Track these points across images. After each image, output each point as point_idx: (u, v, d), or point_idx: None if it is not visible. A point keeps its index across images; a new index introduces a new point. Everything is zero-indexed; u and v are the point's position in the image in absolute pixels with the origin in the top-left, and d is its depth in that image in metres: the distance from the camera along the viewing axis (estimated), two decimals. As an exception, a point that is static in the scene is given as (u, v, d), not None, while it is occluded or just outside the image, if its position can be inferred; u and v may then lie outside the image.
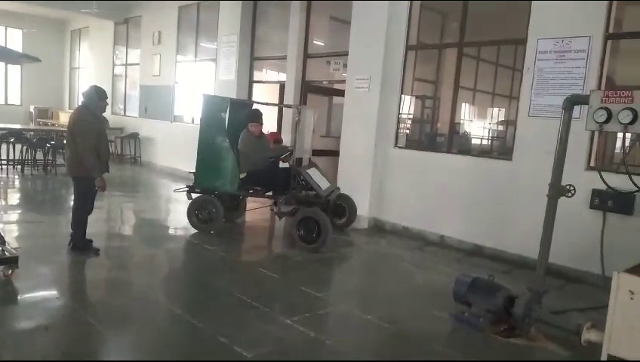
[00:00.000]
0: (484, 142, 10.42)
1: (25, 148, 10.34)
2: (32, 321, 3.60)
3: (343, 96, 7.77)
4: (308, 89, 8.71)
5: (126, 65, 14.43)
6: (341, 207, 7.11)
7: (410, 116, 8.07)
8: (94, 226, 5.63)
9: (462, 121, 9.34)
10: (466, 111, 10.66)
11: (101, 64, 15.29)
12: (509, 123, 9.60)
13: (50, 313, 3.79)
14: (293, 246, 6.05)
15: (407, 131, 7.85)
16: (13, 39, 16.94)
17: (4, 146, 10.25)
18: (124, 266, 5.16)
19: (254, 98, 10.15)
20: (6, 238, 4.69)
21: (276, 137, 7.26)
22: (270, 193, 6.52)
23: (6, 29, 16.75)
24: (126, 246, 5.97)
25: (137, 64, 13.57)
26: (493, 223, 6.09)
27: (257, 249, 6.47)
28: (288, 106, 8.29)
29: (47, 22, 16.99)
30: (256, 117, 6.60)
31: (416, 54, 7.49)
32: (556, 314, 3.88)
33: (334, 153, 7.89)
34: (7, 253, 4.30)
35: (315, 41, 8.95)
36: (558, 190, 3.73)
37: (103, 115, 5.26)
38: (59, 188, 9.39)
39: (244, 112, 6.78)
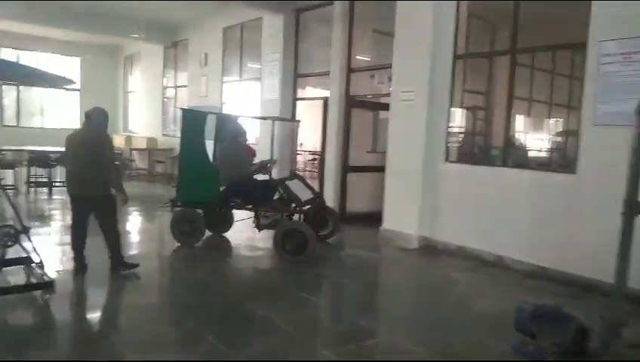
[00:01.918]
0: (542, 154, 9.83)
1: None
2: (66, 346, 3.48)
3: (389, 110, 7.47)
4: (352, 104, 8.47)
5: (175, 87, 14.75)
6: (324, 218, 7.01)
7: (461, 129, 7.67)
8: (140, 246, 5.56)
9: (517, 133, 8.84)
10: (521, 122, 10.12)
11: (152, 87, 15.71)
12: (569, 133, 9.03)
13: (86, 338, 3.67)
14: (317, 264, 5.74)
15: (459, 145, 7.44)
16: (72, 66, 17.75)
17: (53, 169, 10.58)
18: (161, 288, 5.04)
19: (298, 116, 10.03)
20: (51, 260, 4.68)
21: (252, 152, 7.24)
22: (250, 205, 6.42)
23: (64, 57, 17.53)
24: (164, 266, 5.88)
25: (186, 86, 13.82)
26: (556, 242, 5.57)
27: (279, 266, 6.08)
28: (282, 120, 8.27)
29: (102, 49, 17.70)
30: (243, 130, 6.78)
31: (465, 64, 7.11)
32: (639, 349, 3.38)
33: (381, 169, 7.57)
34: (45, 278, 4.25)
35: (358, 56, 8.72)
36: (633, 206, 3.27)
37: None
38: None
39: (230, 126, 6.80)
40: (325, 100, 8.93)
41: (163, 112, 15.06)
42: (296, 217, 6.64)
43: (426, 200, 6.90)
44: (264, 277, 5.73)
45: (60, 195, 10.27)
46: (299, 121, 7.72)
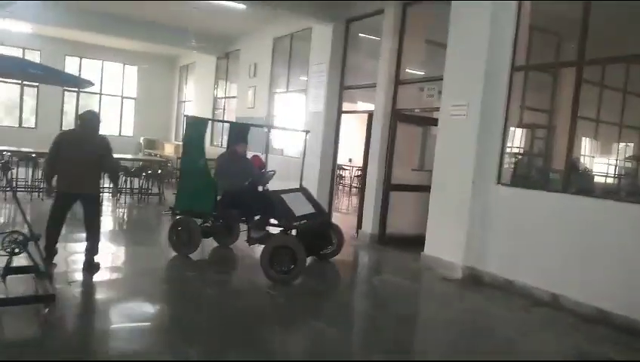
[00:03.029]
0: (609, 180, 8.89)
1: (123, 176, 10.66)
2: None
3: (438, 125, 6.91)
4: (398, 118, 7.94)
5: (225, 98, 14.75)
6: (327, 236, 6.54)
7: (517, 149, 6.97)
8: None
9: (581, 156, 8.00)
10: (586, 144, 9.23)
11: (204, 97, 15.83)
12: (641, 159, 8.12)
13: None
14: (344, 289, 5.21)
15: (513, 166, 6.75)
16: (130, 75, 18.25)
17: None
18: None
19: (342, 129, 9.61)
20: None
21: (259, 162, 6.83)
22: (244, 218, 6.10)
23: (124, 65, 18.05)
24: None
25: (235, 97, 13.77)
26: (623, 284, 4.78)
27: (292, 287, 5.48)
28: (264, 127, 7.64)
29: (159, 58, 18.11)
30: (244, 137, 6.55)
31: (525, 78, 6.46)
32: None
33: (427, 189, 6.98)
34: (49, 290, 3.98)
35: (408, 68, 8.21)
36: None
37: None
38: (152, 217, 9.44)
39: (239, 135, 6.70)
40: (370, 114, 8.46)
41: (213, 123, 15.05)
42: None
43: (474, 225, 6.24)
44: (270, 301, 5.11)
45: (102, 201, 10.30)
46: (308, 132, 7.38)
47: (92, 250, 5.30)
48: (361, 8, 8.84)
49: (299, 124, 10.29)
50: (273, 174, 6.54)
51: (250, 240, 6.00)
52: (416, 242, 7.08)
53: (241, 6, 9.94)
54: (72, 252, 6.16)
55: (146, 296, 4.77)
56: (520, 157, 7.08)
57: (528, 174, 6.97)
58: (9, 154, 9.85)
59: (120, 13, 12.64)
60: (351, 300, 5.41)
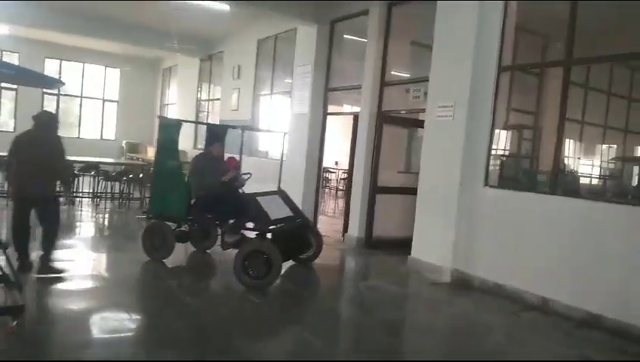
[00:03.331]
0: (594, 181, 8.89)
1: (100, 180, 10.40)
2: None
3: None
4: (384, 120, 7.81)
5: (208, 100, 14.54)
6: (306, 240, 6.31)
7: (504, 150, 6.89)
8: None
9: (568, 157, 7.96)
10: (571, 146, 9.22)
11: (187, 100, 15.58)
12: (628, 160, 8.10)
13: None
14: (328, 296, 5.06)
15: (500, 168, 6.66)
16: (112, 77, 17.92)
17: (87, 179, 10.40)
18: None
19: (328, 131, 9.48)
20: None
21: (235, 163, 6.63)
22: (218, 221, 5.99)
23: (105, 68, 17.72)
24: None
25: (219, 99, 13.56)
26: (615, 285, 4.69)
27: (274, 293, 5.38)
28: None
29: (141, 61, 17.82)
30: (219, 138, 6.43)
31: (512, 78, 6.38)
32: None
33: (413, 191, 6.85)
34: (19, 301, 3.75)
35: (393, 70, 8.10)
36: None
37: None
38: (132, 222, 9.19)
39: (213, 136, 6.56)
40: (356, 116, 8.33)
41: (196, 126, 14.82)
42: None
43: (462, 228, 6.13)
44: (250, 307, 4.92)
45: (81, 206, 10.04)
46: (285, 133, 7.42)
47: (49, 248, 5.22)
48: (346, 9, 8.72)
49: (283, 126, 10.14)
50: (249, 177, 6.38)
51: (225, 245, 5.82)
52: (403, 245, 6.95)
53: (225, 7, 9.77)
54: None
55: (121, 305, 4.56)
56: (507, 158, 7.00)
57: (516, 176, 6.88)
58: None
59: (102, 15, 12.35)
60: (336, 306, 5.24)
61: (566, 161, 7.58)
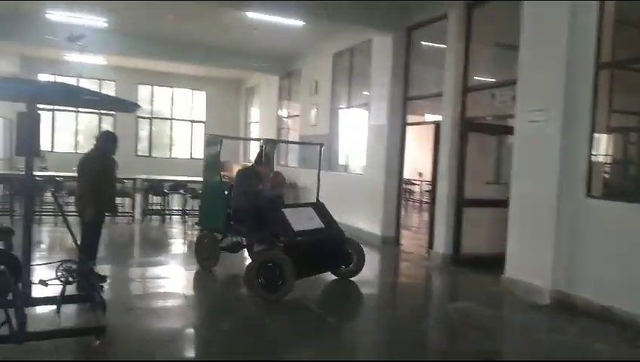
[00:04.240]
0: None
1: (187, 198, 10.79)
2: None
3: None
4: (468, 127, 7.34)
5: (288, 117, 14.69)
6: (342, 254, 6.14)
7: (607, 156, 6.17)
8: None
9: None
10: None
11: (268, 118, 15.87)
12: None
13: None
14: (413, 318, 4.66)
15: (604, 176, 5.96)
16: (199, 99, 18.76)
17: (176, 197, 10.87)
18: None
19: (410, 141, 9.14)
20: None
21: (278, 179, 6.70)
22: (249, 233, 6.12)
23: (192, 91, 18.58)
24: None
25: (298, 115, 13.66)
26: None
27: (346, 310, 5.11)
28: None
29: (225, 82, 18.48)
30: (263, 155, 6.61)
31: (612, 76, 5.69)
32: None
33: (505, 203, 6.32)
34: (102, 322, 3.83)
35: (476, 75, 7.61)
36: None
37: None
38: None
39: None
40: (437, 124, 7.92)
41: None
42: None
43: (561, 244, 5.53)
44: (323, 326, 4.75)
45: (176, 224, 10.43)
46: (322, 145, 7.27)
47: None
48: (423, 14, 8.38)
49: (361, 140, 9.94)
50: (281, 192, 6.60)
51: (252, 255, 6.12)
52: (494, 263, 6.42)
53: (300, 23, 9.80)
54: (132, 278, 6.14)
55: (201, 326, 4.54)
56: (612, 165, 6.26)
57: (622, 185, 6.13)
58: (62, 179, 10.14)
59: (186, 41, 12.95)
60: (420, 329, 4.86)
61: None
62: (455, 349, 4.39)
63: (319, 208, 6.35)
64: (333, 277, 6.18)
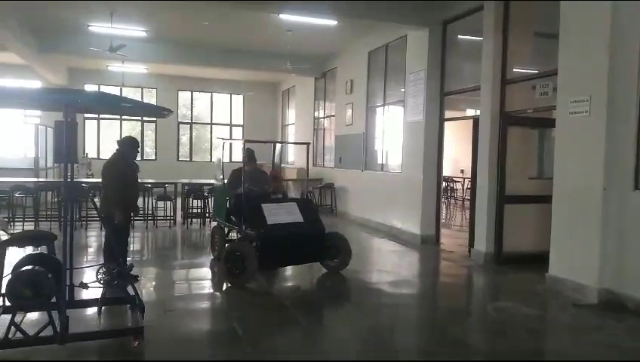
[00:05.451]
0: None
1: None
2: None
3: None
4: (508, 121, 7.11)
5: (324, 117, 14.68)
6: (325, 247, 6.37)
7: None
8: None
9: None
10: None
11: (305, 119, 15.93)
12: None
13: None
14: (453, 319, 4.51)
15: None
16: (237, 103, 19.02)
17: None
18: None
19: (448, 138, 8.95)
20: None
21: (275, 174, 7.41)
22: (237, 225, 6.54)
23: (230, 95, 18.86)
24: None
25: (334, 115, 13.63)
26: None
27: (374, 309, 5.03)
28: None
29: (262, 86, 18.66)
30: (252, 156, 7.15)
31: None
32: None
33: (548, 199, 6.07)
34: (140, 323, 3.91)
35: (515, 66, 7.36)
36: None
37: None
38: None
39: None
40: (476, 119, 7.71)
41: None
42: None
43: (609, 240, 5.26)
44: (359, 331, 4.71)
45: (211, 225, 10.56)
46: (308, 143, 8.26)
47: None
48: (459, 6, 8.18)
49: (398, 137, 9.80)
50: (257, 189, 6.80)
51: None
52: (538, 261, 6.21)
53: (333, 22, 9.76)
54: (173, 280, 6.25)
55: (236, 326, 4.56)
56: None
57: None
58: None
59: (222, 46, 13.17)
60: (457, 332, 4.72)
61: None
62: (497, 348, 4.24)
63: (304, 204, 6.66)
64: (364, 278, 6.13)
